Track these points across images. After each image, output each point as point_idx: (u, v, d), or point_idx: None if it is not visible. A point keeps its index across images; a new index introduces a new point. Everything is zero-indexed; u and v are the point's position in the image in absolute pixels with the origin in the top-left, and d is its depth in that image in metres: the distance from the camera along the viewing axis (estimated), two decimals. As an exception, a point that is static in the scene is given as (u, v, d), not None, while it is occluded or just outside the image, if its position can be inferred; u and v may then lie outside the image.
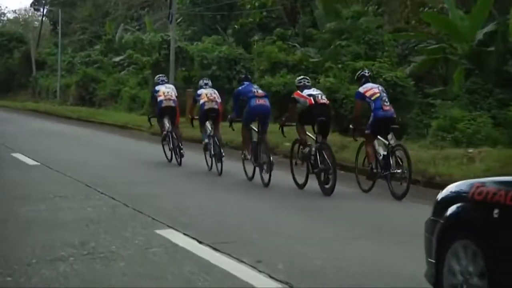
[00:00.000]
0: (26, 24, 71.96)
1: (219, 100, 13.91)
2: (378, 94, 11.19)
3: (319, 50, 28.22)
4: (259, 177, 11.97)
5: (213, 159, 13.49)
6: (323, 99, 11.52)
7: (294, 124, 11.85)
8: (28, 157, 15.54)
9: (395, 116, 11.40)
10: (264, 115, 12.43)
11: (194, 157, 14.91)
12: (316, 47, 29.26)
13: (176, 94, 15.28)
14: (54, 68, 50.62)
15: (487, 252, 4.44)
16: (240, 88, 12.88)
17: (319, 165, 11.12)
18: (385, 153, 10.99)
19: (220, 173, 13.10)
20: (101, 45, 48.10)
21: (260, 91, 12.63)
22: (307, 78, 12.24)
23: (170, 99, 14.95)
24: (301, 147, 11.78)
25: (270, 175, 11.72)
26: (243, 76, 13.82)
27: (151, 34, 36.08)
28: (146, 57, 35.83)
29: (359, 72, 12.21)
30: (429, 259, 5.03)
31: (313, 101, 11.34)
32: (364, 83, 11.57)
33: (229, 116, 13.48)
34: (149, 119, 16.32)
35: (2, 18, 76.49)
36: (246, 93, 12.49)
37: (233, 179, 12.74)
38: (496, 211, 4.38)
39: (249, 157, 12.45)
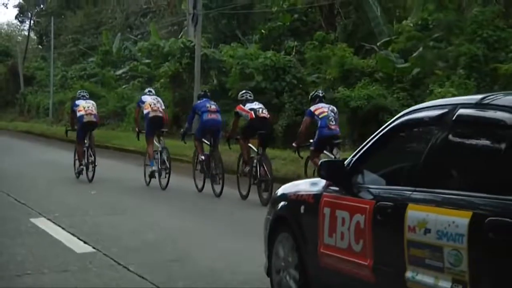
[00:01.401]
0: (9, 39, 66.04)
1: (163, 110, 14.05)
2: (326, 113, 11.62)
3: (398, 53, 22.10)
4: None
5: (158, 174, 13.70)
6: (264, 113, 12.12)
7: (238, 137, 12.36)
8: (63, 228, 9.01)
9: (339, 134, 11.94)
10: (215, 129, 13.06)
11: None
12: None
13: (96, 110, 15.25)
14: (44, 83, 45.48)
15: (297, 240, 5.33)
16: (197, 102, 13.62)
17: (259, 176, 11.63)
18: None
19: (165, 187, 13.46)
20: (97, 57, 43.04)
21: (213, 106, 13.15)
22: (249, 92, 12.78)
23: (91, 114, 14.96)
24: (242, 163, 12.31)
25: (222, 186, 12.29)
26: (202, 93, 14.25)
27: (171, 40, 29.87)
28: (164, 67, 29.41)
29: (313, 92, 12.55)
30: (265, 253, 5.88)
31: (253, 115, 11.97)
32: (318, 103, 11.89)
33: (181, 130, 13.98)
34: (66, 132, 16.20)
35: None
36: (200, 108, 13.16)
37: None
38: (302, 207, 5.29)
39: (198, 167, 13.05)
